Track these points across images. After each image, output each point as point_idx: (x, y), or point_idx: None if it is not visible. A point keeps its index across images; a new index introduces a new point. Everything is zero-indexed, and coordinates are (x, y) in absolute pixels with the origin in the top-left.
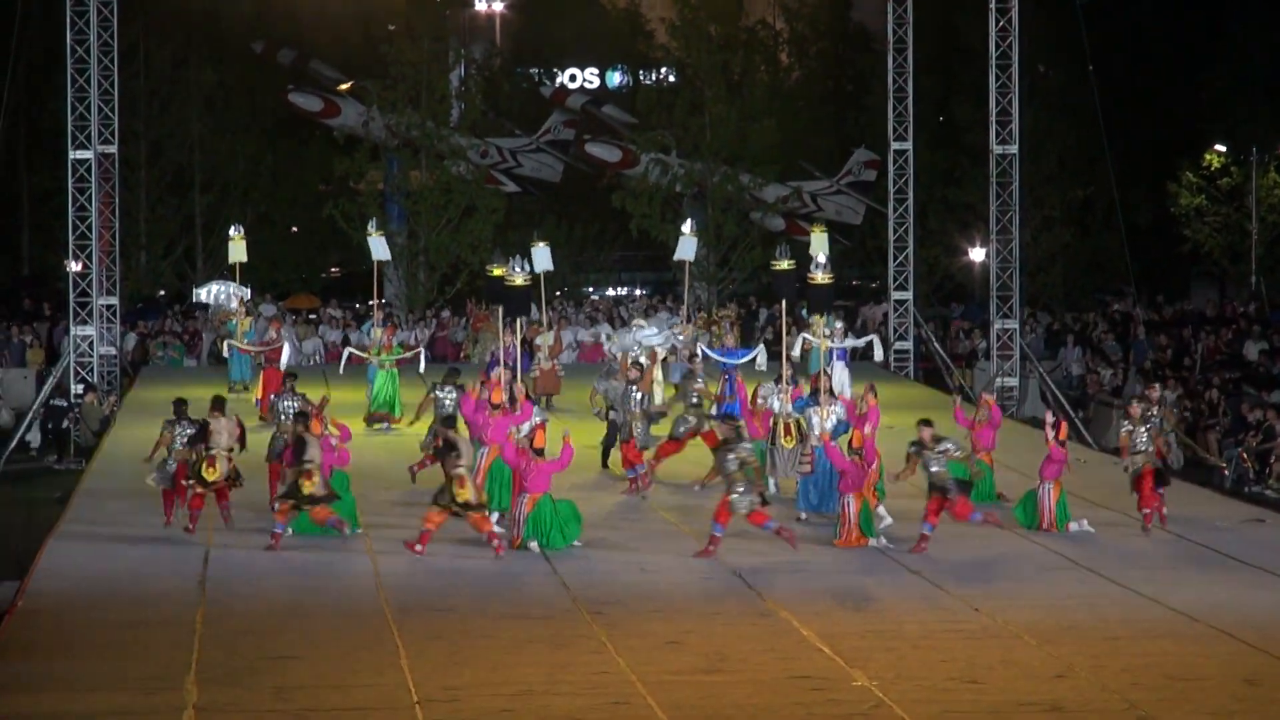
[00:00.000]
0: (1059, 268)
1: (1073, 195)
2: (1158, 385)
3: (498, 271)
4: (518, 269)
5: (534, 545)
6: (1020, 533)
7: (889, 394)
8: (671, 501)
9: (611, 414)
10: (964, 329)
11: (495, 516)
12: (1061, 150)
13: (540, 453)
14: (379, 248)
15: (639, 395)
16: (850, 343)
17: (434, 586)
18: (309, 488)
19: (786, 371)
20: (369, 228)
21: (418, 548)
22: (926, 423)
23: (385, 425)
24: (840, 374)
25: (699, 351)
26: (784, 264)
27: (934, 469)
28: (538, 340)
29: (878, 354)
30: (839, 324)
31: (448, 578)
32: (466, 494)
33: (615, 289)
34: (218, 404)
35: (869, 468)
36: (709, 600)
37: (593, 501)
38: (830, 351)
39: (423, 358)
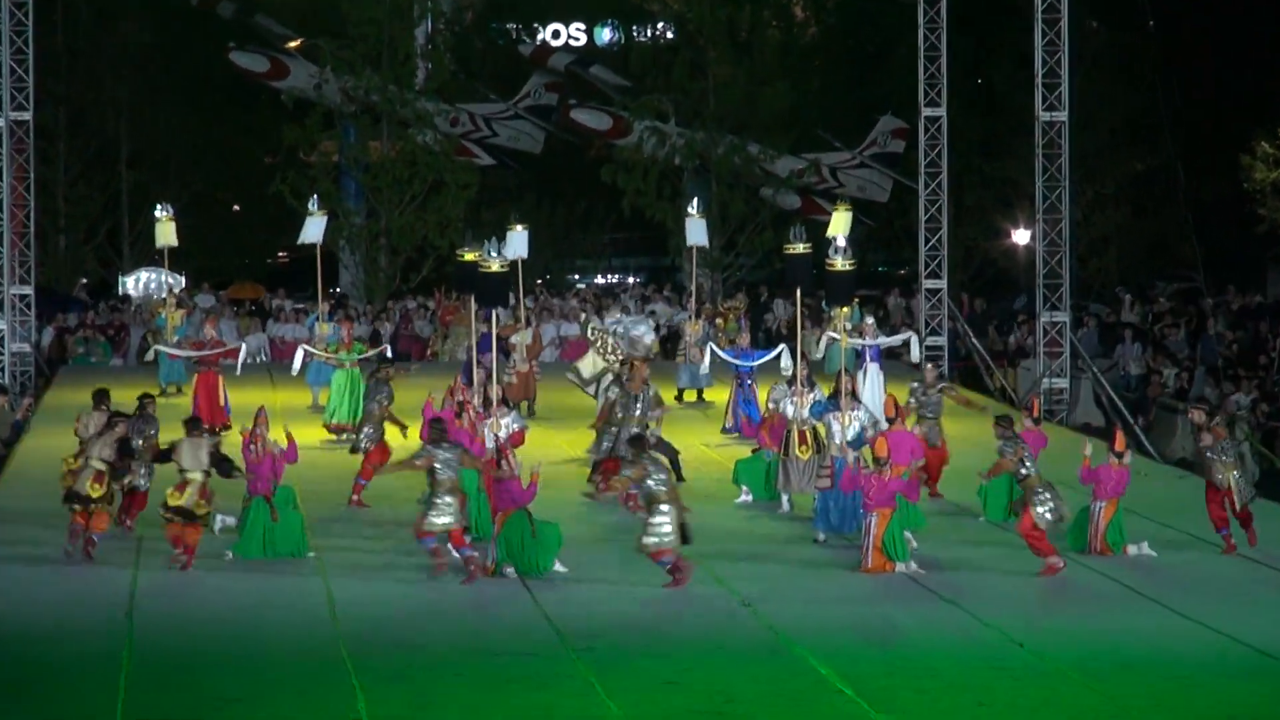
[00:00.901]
0: (1114, 252)
1: (1130, 169)
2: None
3: (470, 256)
4: (494, 253)
5: (509, 570)
6: (1071, 557)
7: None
8: None
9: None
10: (995, 323)
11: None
12: (1117, 117)
13: (506, 467)
14: (312, 229)
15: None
16: (885, 341)
17: (397, 618)
18: (176, 499)
19: (801, 372)
20: (309, 206)
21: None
22: (1005, 421)
23: (348, 435)
24: (874, 380)
25: (707, 352)
26: (799, 247)
27: (1024, 470)
28: (513, 339)
29: (914, 354)
30: (869, 319)
31: (413, 608)
32: (180, 500)
33: (605, 276)
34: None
35: (908, 477)
36: (712, 634)
37: (580, 520)
38: (859, 351)
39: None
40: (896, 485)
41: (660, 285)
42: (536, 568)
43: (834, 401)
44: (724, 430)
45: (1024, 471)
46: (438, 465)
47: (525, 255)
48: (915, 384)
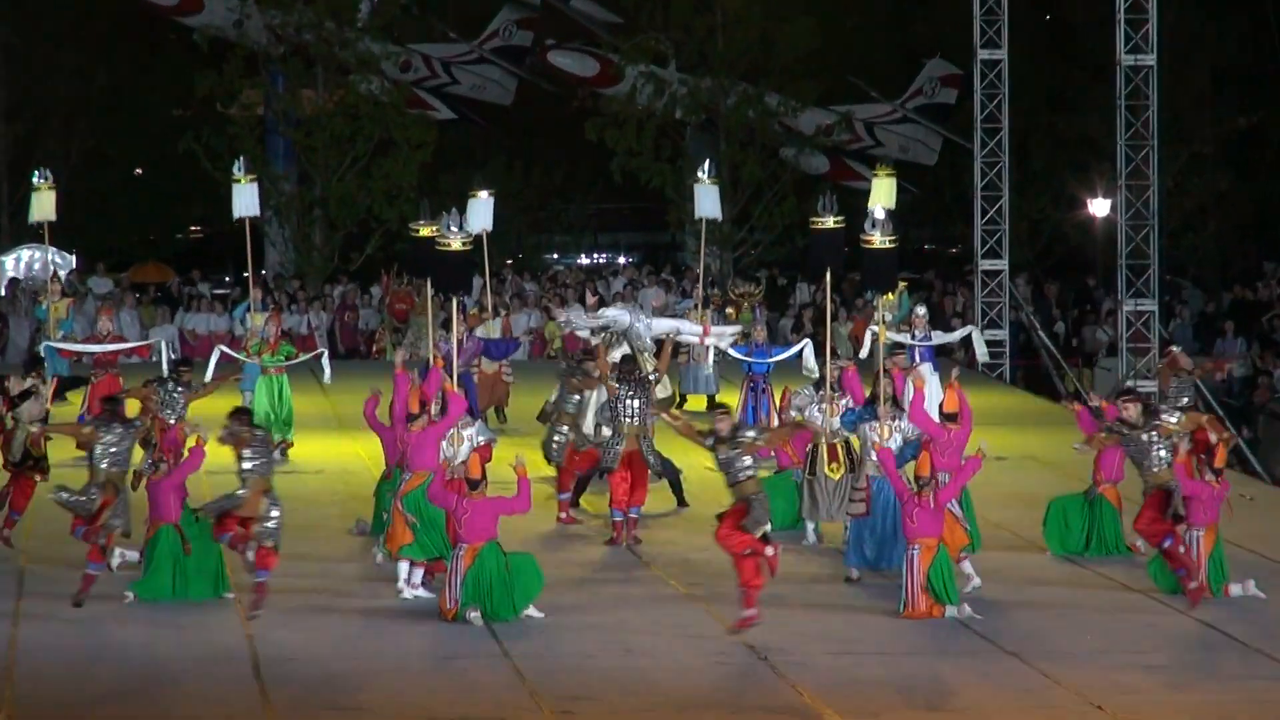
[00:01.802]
0: (1212, 226)
1: (1231, 125)
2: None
3: (425, 231)
4: (454, 227)
5: (474, 615)
6: (1158, 598)
7: (976, 404)
8: (668, 555)
9: (602, 429)
10: (1073, 313)
11: (417, 575)
12: (1216, 63)
13: (475, 485)
14: (245, 199)
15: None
16: (942, 338)
17: (336, 674)
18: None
19: (831, 373)
20: (234, 170)
21: None
22: (1131, 395)
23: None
24: (930, 384)
25: (712, 349)
26: (828, 221)
27: (1156, 468)
28: (479, 331)
29: (980, 352)
30: (921, 310)
31: (355, 661)
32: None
33: (590, 256)
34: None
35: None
36: (721, 693)
37: (559, 552)
38: (911, 350)
39: (326, 363)
40: (949, 493)
41: (657, 266)
42: (512, 607)
43: (871, 409)
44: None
45: (1157, 468)
46: (99, 448)
47: (490, 226)
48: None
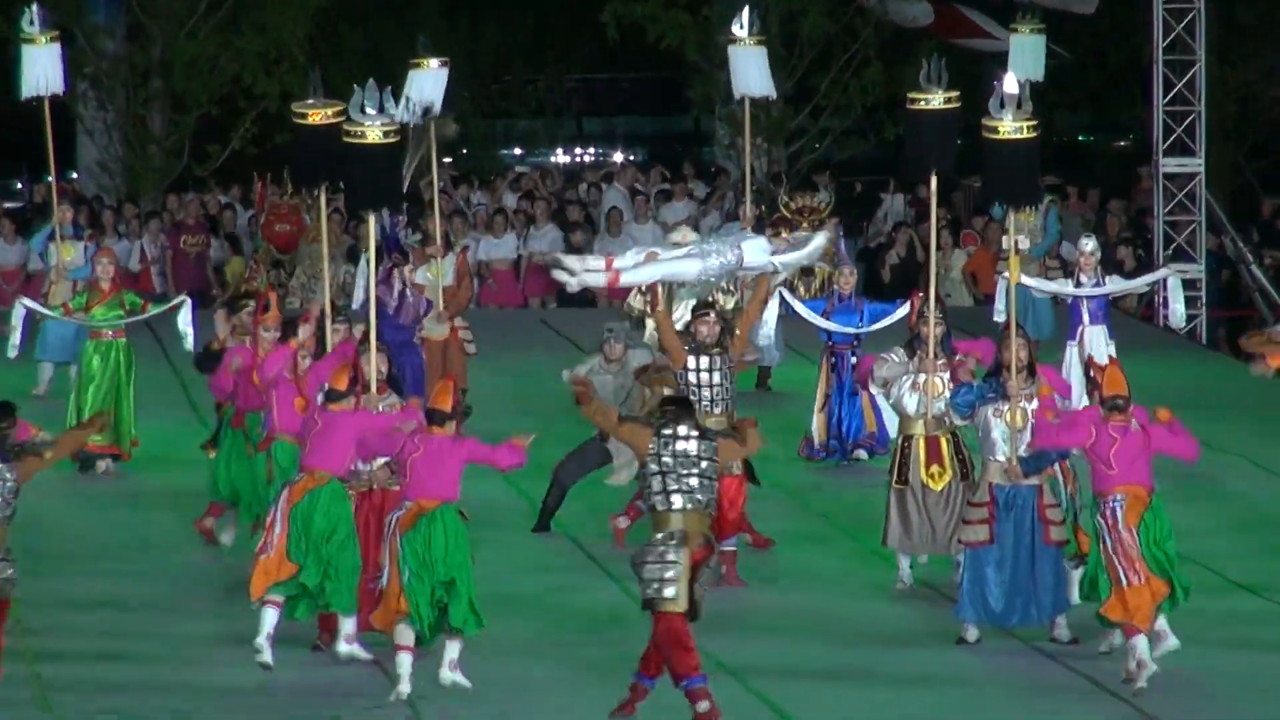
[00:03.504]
0: None
1: None
2: None
3: (317, 115)
4: (370, 108)
5: (358, 650)
6: None
7: (1159, 374)
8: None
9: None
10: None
11: (349, 625)
12: None
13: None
14: (42, 66)
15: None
16: (1120, 285)
17: None
18: None
19: (934, 330)
20: (22, 25)
21: None
22: None
23: (108, 465)
24: (1099, 347)
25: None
26: (934, 98)
27: None
28: (423, 274)
29: (1175, 312)
30: (1088, 242)
31: None
32: None
33: (569, 153)
34: None
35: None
36: None
37: (562, 594)
38: (1075, 305)
39: (187, 319)
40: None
41: (673, 170)
42: (433, 629)
43: (993, 384)
44: (808, 453)
45: None
46: None
47: (437, 108)
48: None
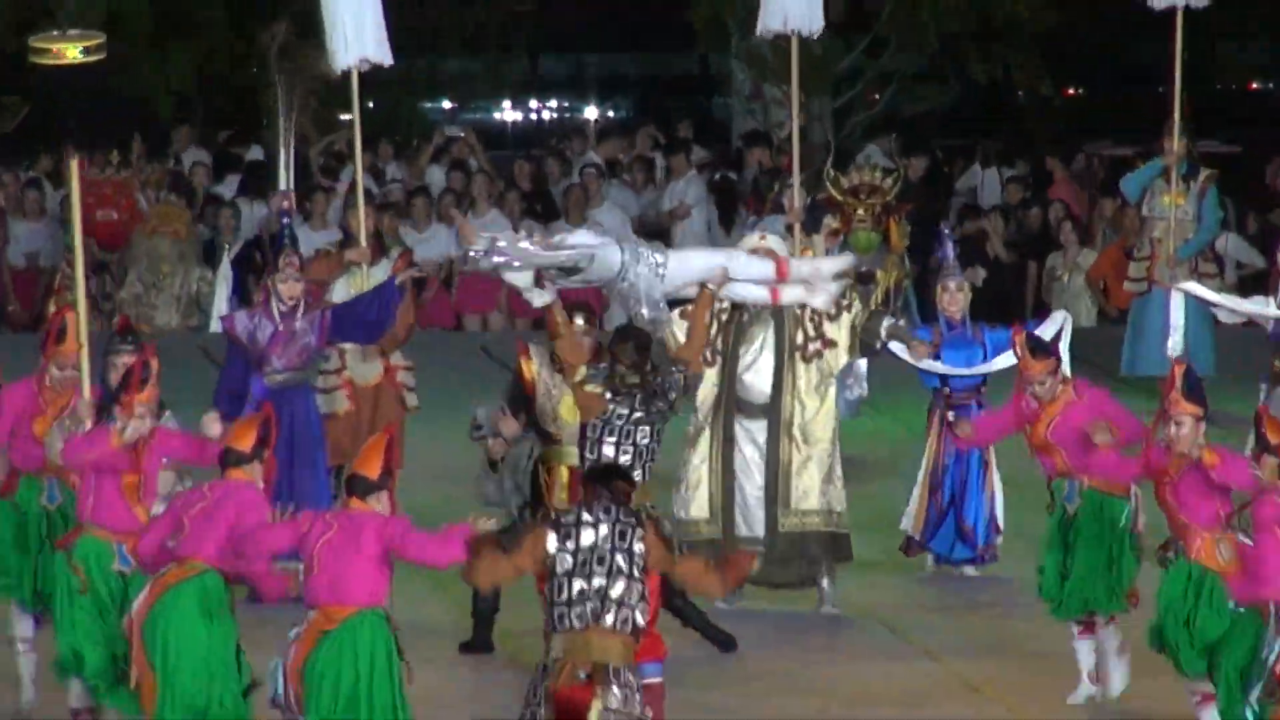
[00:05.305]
0: None
1: None
2: None
3: (67, 49)
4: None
5: None
6: None
7: None
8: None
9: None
10: None
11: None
12: None
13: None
14: None
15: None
16: None
17: None
18: None
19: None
20: None
21: None
22: None
23: None
24: None
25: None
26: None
27: None
28: (343, 289)
29: None
30: None
31: None
32: None
33: (522, 107)
34: None
35: None
36: None
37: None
38: (1277, 328)
39: None
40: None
41: (667, 127)
42: None
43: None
44: (909, 546)
45: None
46: None
47: (384, 59)
48: None
